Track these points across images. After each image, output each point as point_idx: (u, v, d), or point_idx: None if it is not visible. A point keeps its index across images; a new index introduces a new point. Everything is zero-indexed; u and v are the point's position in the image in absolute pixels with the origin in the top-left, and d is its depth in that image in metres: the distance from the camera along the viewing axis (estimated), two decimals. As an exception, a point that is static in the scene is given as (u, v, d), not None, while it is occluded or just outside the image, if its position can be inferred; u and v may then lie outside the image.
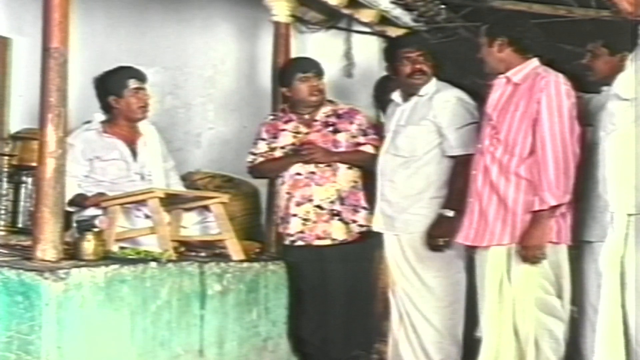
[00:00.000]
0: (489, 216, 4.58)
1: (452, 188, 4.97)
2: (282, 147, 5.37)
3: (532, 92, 4.54)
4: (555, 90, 4.51)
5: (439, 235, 4.95)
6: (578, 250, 4.73)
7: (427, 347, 5.05)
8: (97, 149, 5.11)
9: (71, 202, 4.87)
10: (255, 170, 5.48)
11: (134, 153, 5.18)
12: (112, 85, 5.18)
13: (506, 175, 4.56)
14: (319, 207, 5.24)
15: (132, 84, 5.16)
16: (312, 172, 5.26)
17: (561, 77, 4.57)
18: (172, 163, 5.43)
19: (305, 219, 5.25)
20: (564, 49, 5.39)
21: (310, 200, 5.25)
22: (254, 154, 5.43)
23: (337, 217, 5.24)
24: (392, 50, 5.33)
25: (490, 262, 4.57)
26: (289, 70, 5.39)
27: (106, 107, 5.22)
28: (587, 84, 4.88)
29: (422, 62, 5.10)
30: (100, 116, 5.23)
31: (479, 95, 5.03)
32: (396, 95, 5.20)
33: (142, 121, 5.28)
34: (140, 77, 5.22)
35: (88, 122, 5.34)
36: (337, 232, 5.24)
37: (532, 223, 4.50)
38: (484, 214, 4.60)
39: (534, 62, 4.65)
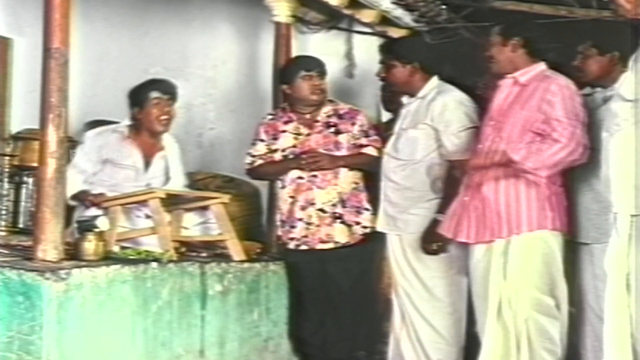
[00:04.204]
0: (487, 213, 4.58)
1: (447, 192, 4.95)
2: (283, 150, 5.32)
3: (540, 93, 4.56)
4: (569, 93, 4.53)
5: (433, 240, 4.95)
6: (574, 252, 4.72)
7: (426, 346, 5.04)
8: (113, 152, 5.11)
9: (74, 197, 4.91)
10: (253, 173, 5.44)
11: (148, 164, 5.17)
12: (136, 97, 5.17)
13: (505, 172, 4.56)
14: (321, 210, 5.21)
15: (154, 95, 5.12)
16: (314, 176, 5.22)
17: (570, 81, 4.59)
18: (184, 178, 5.39)
19: (308, 223, 5.22)
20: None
21: (313, 204, 5.22)
22: (253, 156, 5.38)
23: (339, 220, 5.22)
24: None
25: (491, 258, 4.57)
26: (292, 68, 5.33)
27: (133, 119, 5.20)
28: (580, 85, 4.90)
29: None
30: (128, 121, 5.22)
31: (479, 96, 5.02)
32: (405, 98, 5.20)
33: (166, 135, 5.26)
34: (164, 89, 5.18)
35: (97, 121, 5.31)
36: (340, 235, 5.22)
37: None
38: (482, 212, 4.59)
39: (541, 65, 4.66)
